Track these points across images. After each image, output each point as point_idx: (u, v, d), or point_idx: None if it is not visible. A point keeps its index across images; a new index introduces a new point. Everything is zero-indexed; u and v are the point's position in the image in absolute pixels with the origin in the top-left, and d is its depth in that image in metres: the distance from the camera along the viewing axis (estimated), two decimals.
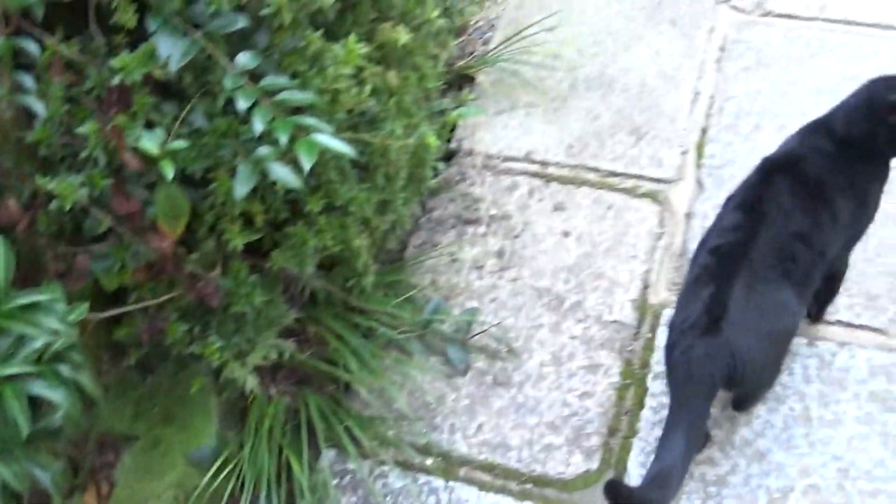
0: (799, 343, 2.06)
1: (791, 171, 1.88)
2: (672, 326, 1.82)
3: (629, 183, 2.40)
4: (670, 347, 1.79)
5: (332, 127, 1.50)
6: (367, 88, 1.66)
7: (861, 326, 2.10)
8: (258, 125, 1.46)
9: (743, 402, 1.99)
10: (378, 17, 1.75)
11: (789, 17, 2.72)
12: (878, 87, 1.82)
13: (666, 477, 1.67)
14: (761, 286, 1.76)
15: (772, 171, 1.89)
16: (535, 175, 2.45)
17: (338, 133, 1.67)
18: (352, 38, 1.53)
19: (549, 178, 2.44)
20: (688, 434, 1.71)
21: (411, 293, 2.14)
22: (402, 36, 1.67)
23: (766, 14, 2.73)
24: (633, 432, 1.98)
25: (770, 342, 1.81)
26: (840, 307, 2.12)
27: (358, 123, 1.79)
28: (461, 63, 2.63)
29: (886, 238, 2.21)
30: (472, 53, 2.71)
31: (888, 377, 2.01)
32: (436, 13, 1.73)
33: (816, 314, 2.11)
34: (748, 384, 1.87)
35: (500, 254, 2.29)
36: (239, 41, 1.57)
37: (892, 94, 1.77)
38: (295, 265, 1.80)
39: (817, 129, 1.92)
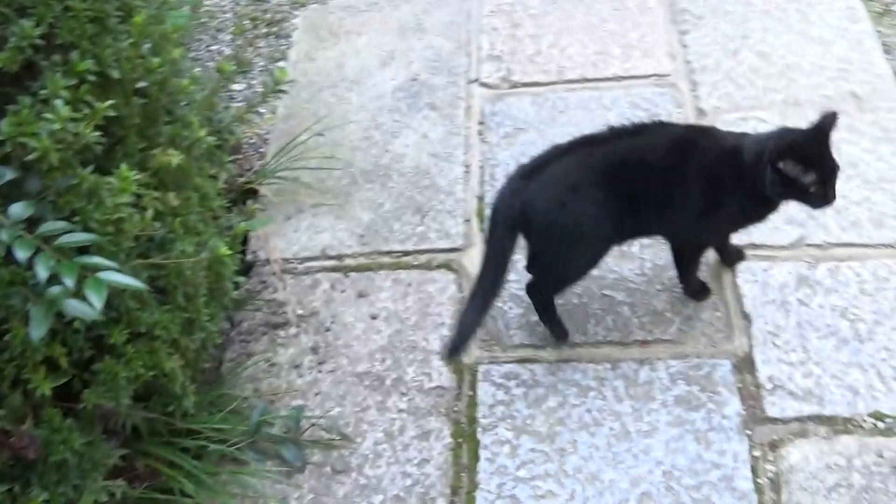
0: (605, 370, 2.24)
1: (687, 131, 2.20)
2: None
3: (423, 258, 2.54)
4: None
5: (120, 257, 1.54)
6: (150, 213, 1.71)
7: (655, 341, 2.30)
8: (42, 272, 1.46)
9: (539, 280, 2.27)
10: (147, 145, 1.81)
11: (534, 84, 2.98)
12: (766, 144, 2.01)
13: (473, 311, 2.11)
14: (581, 173, 2.05)
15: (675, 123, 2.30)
16: (333, 269, 2.54)
17: (128, 260, 1.72)
18: (123, 167, 1.58)
19: (347, 270, 2.53)
20: (492, 262, 2.10)
21: (235, 404, 2.16)
22: (175, 158, 1.74)
23: (514, 86, 2.98)
24: (474, 485, 2.06)
25: (560, 211, 2.05)
26: (633, 328, 2.32)
27: (148, 249, 1.83)
28: (242, 179, 2.71)
29: (657, 259, 2.44)
30: (250, 169, 2.81)
31: (687, 380, 2.20)
32: (203, 132, 1.81)
33: (679, 277, 2.36)
34: (536, 238, 2.14)
35: (314, 349, 2.35)
36: (11, 191, 1.59)
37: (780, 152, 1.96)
38: (110, 400, 1.79)
39: (739, 136, 2.13)
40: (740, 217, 2.20)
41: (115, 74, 1.65)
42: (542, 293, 2.31)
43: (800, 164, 1.95)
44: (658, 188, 2.08)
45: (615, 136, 2.11)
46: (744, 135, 2.15)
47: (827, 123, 1.98)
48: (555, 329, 2.31)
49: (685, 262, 2.33)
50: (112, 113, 1.58)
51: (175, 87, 1.81)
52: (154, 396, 2.01)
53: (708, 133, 2.21)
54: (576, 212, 2.05)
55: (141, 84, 1.73)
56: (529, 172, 2.05)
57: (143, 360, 1.82)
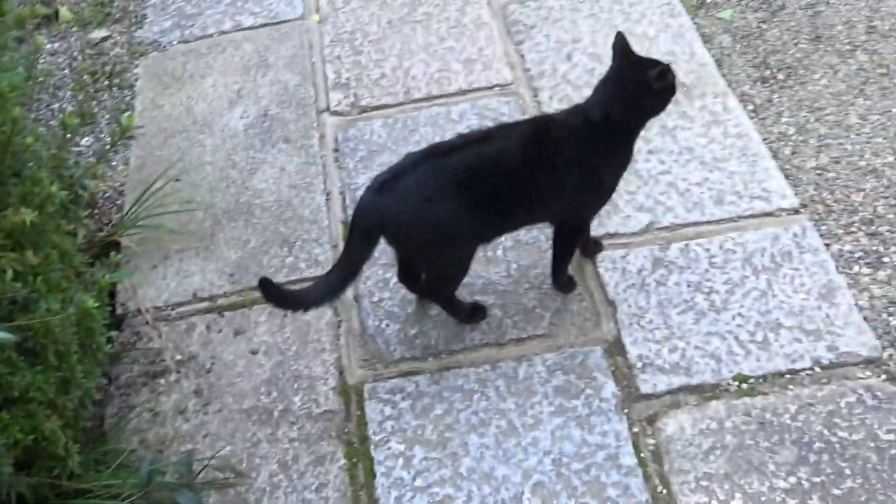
0: (485, 371, 2.31)
1: (533, 125, 2.28)
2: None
3: (295, 288, 2.55)
4: None
5: None
6: (9, 274, 1.68)
7: (529, 338, 2.39)
8: None
9: (424, 278, 2.39)
10: None
11: (383, 107, 3.05)
12: (628, 72, 2.18)
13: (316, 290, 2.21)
14: (438, 180, 2.11)
15: (519, 121, 2.34)
16: (207, 311, 2.54)
17: None
18: None
19: (221, 310, 2.53)
20: (343, 265, 2.18)
21: (122, 459, 2.13)
22: (28, 216, 1.72)
23: (363, 111, 3.05)
24: (373, 502, 2.09)
25: (418, 221, 2.12)
26: (507, 328, 2.40)
27: (11, 311, 1.80)
28: (102, 234, 2.68)
29: (522, 260, 2.54)
30: (109, 223, 2.77)
31: (563, 370, 2.30)
32: (54, 188, 1.79)
33: (553, 270, 2.45)
34: (401, 248, 2.27)
35: (198, 392, 2.34)
36: None
37: (652, 69, 2.12)
38: None
39: (573, 112, 2.26)
40: (619, 171, 2.32)
41: None
42: (434, 296, 2.41)
43: (667, 71, 2.15)
44: (524, 185, 2.17)
45: (465, 143, 2.19)
46: (573, 108, 2.31)
47: (623, 43, 2.21)
48: (461, 315, 2.41)
49: (565, 246, 2.42)
50: None
51: (19, 146, 1.79)
52: (37, 461, 1.96)
53: (549, 120, 2.36)
54: (433, 220, 2.12)
55: None
56: (384, 184, 2.11)
57: (21, 425, 1.78)
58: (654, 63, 2.18)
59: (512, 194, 2.18)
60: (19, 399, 1.79)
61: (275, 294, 2.21)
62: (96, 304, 1.94)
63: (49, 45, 3.44)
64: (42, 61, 3.36)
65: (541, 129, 2.23)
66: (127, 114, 3.12)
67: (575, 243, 2.43)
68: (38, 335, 1.82)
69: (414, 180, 2.12)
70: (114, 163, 2.98)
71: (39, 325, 1.80)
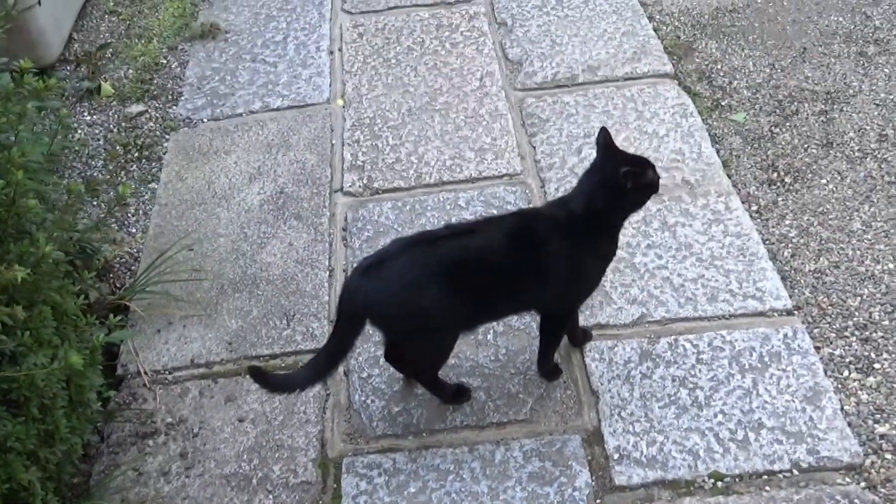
0: (462, 453, 2.34)
1: (518, 218, 2.34)
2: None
3: (290, 360, 2.63)
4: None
5: None
6: None
7: (510, 422, 2.42)
8: None
9: (401, 358, 2.44)
10: None
11: (394, 190, 3.15)
12: (608, 167, 2.21)
13: (303, 373, 2.26)
14: (422, 269, 2.16)
15: (504, 215, 2.42)
16: (202, 377, 2.61)
17: None
18: None
19: (216, 376, 2.61)
20: (329, 349, 2.24)
21: None
22: (20, 273, 1.82)
23: (375, 193, 3.15)
24: None
25: (400, 306, 2.17)
26: (489, 411, 2.44)
27: (0, 363, 1.89)
28: (113, 297, 2.79)
29: (511, 345, 2.59)
30: (122, 287, 2.88)
31: (540, 457, 2.32)
32: (48, 248, 1.90)
33: (539, 358, 2.49)
34: (387, 329, 2.30)
35: (183, 455, 2.40)
36: None
37: (622, 166, 2.16)
38: None
39: (557, 204, 2.33)
40: (603, 262, 2.37)
41: None
42: (417, 376, 2.46)
43: (641, 173, 2.19)
44: (508, 277, 2.22)
45: (452, 234, 2.24)
46: (557, 200, 2.38)
47: (607, 138, 2.25)
48: (444, 396, 2.45)
49: (552, 334, 2.46)
50: None
51: (22, 207, 1.91)
52: None
53: (534, 213, 2.44)
54: (415, 307, 2.17)
55: None
56: (369, 267, 2.19)
57: None
58: (634, 160, 2.24)
59: (496, 286, 2.23)
60: None
61: (264, 380, 2.27)
62: (83, 362, 2.02)
63: (88, 117, 3.63)
64: (80, 132, 3.55)
65: (525, 222, 2.29)
66: (152, 186, 3.27)
67: (560, 332, 2.47)
68: (23, 387, 1.90)
69: (398, 266, 2.17)
70: (133, 230, 3.11)
71: (24, 378, 1.88)
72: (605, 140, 2.24)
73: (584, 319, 2.62)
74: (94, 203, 3.18)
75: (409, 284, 2.16)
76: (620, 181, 2.14)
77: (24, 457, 1.95)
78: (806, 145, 3.25)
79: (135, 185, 3.29)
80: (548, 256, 2.23)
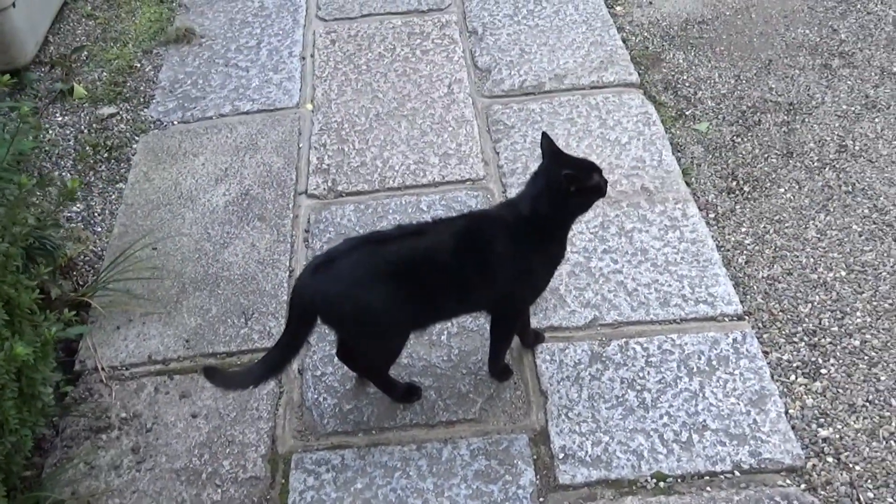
0: (410, 451, 2.37)
1: (467, 220, 2.35)
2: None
3: (246, 358, 2.66)
4: None
5: None
6: None
7: (459, 421, 2.45)
8: None
9: (353, 356, 2.48)
10: None
11: (358, 193, 3.19)
12: (552, 171, 2.25)
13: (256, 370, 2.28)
14: (371, 268, 2.19)
15: (454, 217, 2.43)
16: (158, 373, 2.64)
17: None
18: None
19: (172, 373, 2.64)
20: (281, 346, 2.28)
21: None
22: None
23: (339, 195, 3.18)
24: None
25: (346, 303, 2.20)
26: (438, 410, 2.47)
27: None
28: (74, 294, 2.82)
29: (464, 346, 2.62)
30: (84, 284, 2.91)
31: (486, 455, 2.35)
32: None
33: (490, 358, 2.53)
34: (336, 326, 2.33)
35: (135, 450, 2.43)
36: None
37: (564, 170, 2.19)
38: None
39: (506, 206, 2.38)
40: (550, 264, 2.39)
41: None
42: (367, 374, 2.50)
43: (583, 177, 2.23)
44: (456, 278, 2.25)
45: (401, 234, 2.28)
46: (506, 202, 2.45)
47: (549, 144, 2.30)
48: (395, 394, 2.49)
49: (502, 334, 2.49)
50: None
51: None
52: None
53: (482, 215, 2.46)
54: (361, 304, 2.19)
55: None
56: (319, 266, 2.22)
57: None
58: (579, 164, 2.28)
59: (444, 286, 2.26)
60: None
61: (218, 378, 2.33)
62: (33, 354, 2.05)
63: (60, 118, 3.66)
64: (51, 132, 3.58)
65: (474, 224, 2.32)
66: (119, 186, 3.31)
67: (510, 333, 2.50)
68: None
69: (348, 264, 2.21)
70: (98, 229, 3.14)
71: None
72: (548, 145, 2.28)
73: (536, 321, 2.65)
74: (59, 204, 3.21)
75: (357, 282, 2.20)
76: (563, 185, 2.18)
77: None
78: (766, 155, 3.30)
79: (102, 186, 3.32)
80: (495, 258, 2.26)
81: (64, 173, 3.38)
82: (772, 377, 2.51)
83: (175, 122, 3.60)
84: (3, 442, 2.10)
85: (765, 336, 2.65)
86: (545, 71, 3.69)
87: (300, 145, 3.42)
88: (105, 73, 3.90)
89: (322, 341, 2.64)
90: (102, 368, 2.65)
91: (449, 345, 2.63)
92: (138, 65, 3.96)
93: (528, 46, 3.84)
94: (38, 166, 3.40)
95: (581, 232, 2.92)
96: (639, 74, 3.66)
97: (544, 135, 2.28)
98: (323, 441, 2.43)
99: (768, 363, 2.55)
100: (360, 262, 2.21)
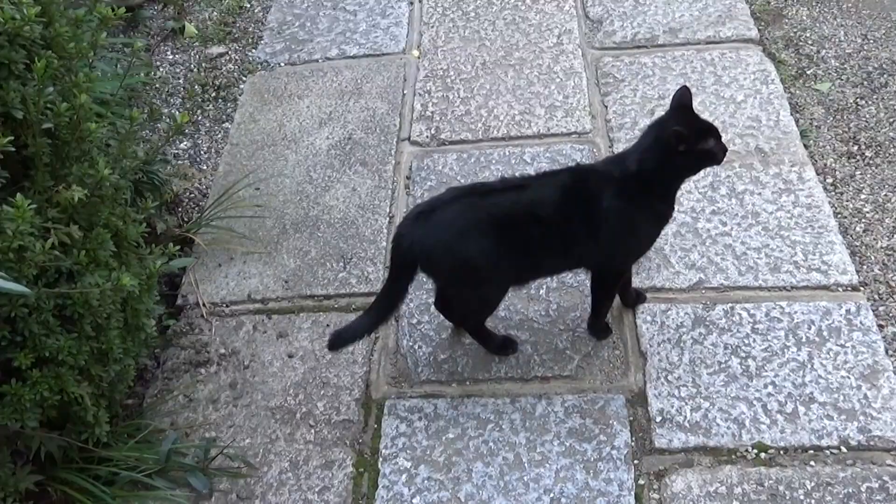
0: (504, 404, 2.35)
1: (572, 174, 2.28)
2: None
3: (343, 301, 2.66)
4: None
5: (22, 283, 1.67)
6: (49, 242, 1.83)
7: (554, 377, 2.41)
8: None
9: (450, 306, 2.45)
10: (55, 183, 1.95)
11: (461, 142, 3.15)
12: (665, 126, 2.16)
13: (367, 319, 2.29)
14: (472, 220, 2.16)
15: (558, 170, 2.33)
16: (257, 312, 2.67)
17: (34, 289, 1.84)
18: (19, 197, 1.72)
19: (270, 312, 2.66)
20: (384, 294, 2.28)
21: (145, 433, 2.27)
22: (77, 194, 1.88)
23: (442, 143, 3.15)
24: None
25: (446, 253, 2.18)
26: (534, 365, 2.43)
27: (57, 280, 1.96)
28: (179, 230, 2.86)
29: (563, 302, 2.57)
30: (189, 220, 2.96)
31: (581, 414, 2.31)
32: (107, 171, 1.95)
33: (591, 315, 2.48)
34: (434, 275, 2.30)
35: (232, 385, 2.47)
36: None
37: (674, 126, 2.11)
38: (15, 422, 1.90)
39: (614, 160, 2.31)
40: (655, 223, 2.31)
41: (18, 115, 1.81)
42: (463, 324, 2.47)
43: (695, 138, 2.12)
44: (558, 233, 2.20)
45: (505, 187, 2.22)
46: (614, 156, 2.36)
47: (684, 98, 2.19)
48: (490, 346, 2.46)
49: (603, 292, 2.43)
50: (11, 148, 1.73)
51: (85, 130, 1.96)
52: (68, 425, 2.12)
53: (587, 169, 2.37)
54: (461, 255, 2.16)
55: (47, 125, 1.89)
56: (420, 214, 2.19)
57: (49, 385, 1.94)
58: (698, 125, 2.17)
59: (546, 242, 2.21)
60: (51, 360, 1.95)
61: (338, 341, 2.31)
62: (138, 285, 2.08)
63: (171, 57, 3.71)
64: (162, 70, 3.63)
65: (579, 178, 2.25)
66: (226, 126, 3.33)
67: (611, 292, 2.44)
68: (77, 305, 1.97)
69: (449, 214, 2.18)
70: (204, 167, 3.18)
71: (78, 296, 1.95)
72: (681, 100, 2.19)
73: (639, 281, 2.58)
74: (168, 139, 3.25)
75: (458, 233, 2.16)
76: (672, 142, 2.10)
77: (76, 371, 2.02)
78: (892, 119, 3.12)
79: (209, 124, 3.36)
80: (600, 213, 2.19)
81: (173, 111, 3.43)
82: (886, 352, 2.39)
83: (282, 64, 3.60)
84: (108, 370, 2.15)
85: (880, 309, 2.52)
86: (659, 24, 3.56)
87: (405, 92, 3.39)
88: (215, 13, 3.93)
89: (419, 290, 2.62)
90: (203, 304, 2.69)
91: (547, 299, 2.58)
92: (248, 5, 3.98)
93: None
94: (149, 102, 3.44)
95: (689, 191, 2.82)
96: (758, 30, 3.50)
97: (683, 88, 2.17)
98: (417, 389, 2.42)
99: (883, 337, 2.43)
100: (461, 213, 2.17)
